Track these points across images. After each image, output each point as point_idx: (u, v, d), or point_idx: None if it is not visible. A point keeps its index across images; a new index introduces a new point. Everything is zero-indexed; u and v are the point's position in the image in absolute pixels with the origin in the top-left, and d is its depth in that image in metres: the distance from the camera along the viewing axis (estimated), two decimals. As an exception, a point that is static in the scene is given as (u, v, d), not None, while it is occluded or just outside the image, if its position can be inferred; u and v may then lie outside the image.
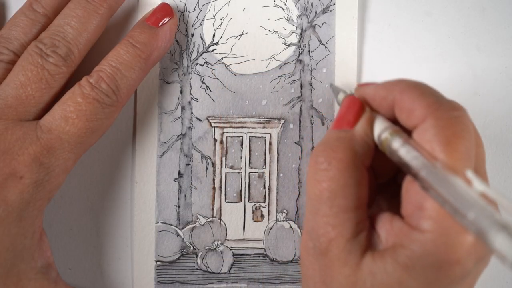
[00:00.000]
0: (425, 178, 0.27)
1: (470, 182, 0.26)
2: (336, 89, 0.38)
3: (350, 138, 0.31)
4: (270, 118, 0.41)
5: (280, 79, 0.41)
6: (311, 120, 0.41)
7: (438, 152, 0.27)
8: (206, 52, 0.41)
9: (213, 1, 0.41)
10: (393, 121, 0.31)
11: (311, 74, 0.41)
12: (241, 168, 0.41)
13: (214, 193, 0.41)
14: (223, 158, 0.41)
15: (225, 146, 0.41)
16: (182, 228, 0.40)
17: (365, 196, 0.30)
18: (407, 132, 0.30)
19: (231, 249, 0.40)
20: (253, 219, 0.41)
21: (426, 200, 0.28)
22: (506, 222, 0.23)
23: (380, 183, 0.34)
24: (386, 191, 0.34)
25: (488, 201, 0.25)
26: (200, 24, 0.41)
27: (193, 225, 0.40)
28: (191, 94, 0.41)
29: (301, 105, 0.41)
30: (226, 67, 0.41)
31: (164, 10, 0.39)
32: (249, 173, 0.41)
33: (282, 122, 0.41)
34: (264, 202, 0.41)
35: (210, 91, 0.41)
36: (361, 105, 0.32)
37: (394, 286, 0.28)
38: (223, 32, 0.41)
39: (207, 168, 0.41)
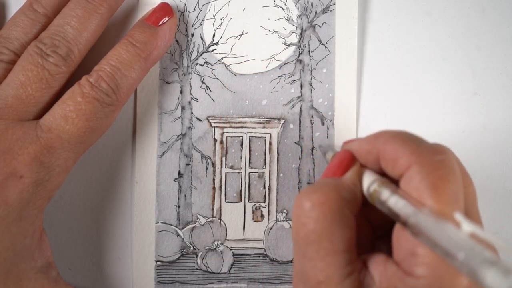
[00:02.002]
0: (414, 225, 0.27)
1: (458, 224, 0.26)
2: (324, 149, 0.38)
3: (337, 183, 0.31)
4: (270, 118, 0.41)
5: (280, 79, 0.41)
6: (311, 120, 0.41)
7: (425, 198, 0.27)
8: (206, 52, 0.41)
9: (213, 1, 0.41)
10: (381, 174, 0.31)
11: (311, 74, 0.41)
12: (241, 168, 0.41)
13: (214, 193, 0.41)
14: (223, 158, 0.41)
15: (225, 146, 0.41)
16: (182, 228, 0.40)
17: (353, 238, 0.30)
18: (395, 182, 0.30)
19: (231, 249, 0.40)
20: (253, 219, 0.41)
21: (417, 246, 0.27)
22: (495, 259, 0.24)
23: (379, 234, 0.34)
24: (385, 238, 0.34)
25: (478, 241, 0.26)
26: (200, 24, 0.41)
27: (193, 225, 0.40)
28: (191, 94, 0.41)
29: (301, 105, 0.41)
30: (226, 67, 0.41)
31: (164, 9, 0.39)
32: (249, 173, 0.41)
33: (282, 122, 0.41)
34: (264, 202, 0.41)
35: (210, 91, 0.41)
36: (351, 157, 0.32)
37: None
38: (223, 32, 0.41)
39: (207, 168, 0.41)
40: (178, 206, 0.40)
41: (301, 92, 0.41)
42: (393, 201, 0.29)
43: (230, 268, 0.40)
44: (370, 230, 0.33)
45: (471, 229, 0.26)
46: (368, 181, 0.31)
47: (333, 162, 0.33)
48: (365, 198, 0.31)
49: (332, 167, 0.32)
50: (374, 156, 0.31)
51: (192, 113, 0.41)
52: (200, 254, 0.40)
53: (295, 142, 0.41)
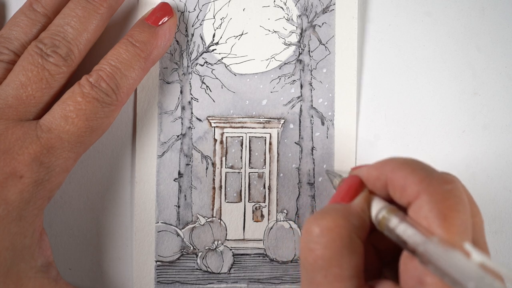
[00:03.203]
0: (424, 253, 0.27)
1: (468, 254, 0.27)
2: (332, 174, 0.38)
3: (345, 209, 0.31)
4: (270, 118, 0.41)
5: (280, 79, 0.41)
6: (311, 120, 0.41)
7: (435, 228, 0.28)
8: (206, 52, 0.41)
9: (213, 1, 0.41)
10: (389, 200, 0.31)
11: (311, 74, 0.41)
12: (241, 168, 0.41)
13: (214, 193, 0.41)
14: (223, 158, 0.41)
15: (225, 146, 0.41)
16: (182, 228, 0.40)
17: (361, 264, 0.30)
18: (403, 210, 0.30)
19: (231, 249, 0.40)
20: (253, 219, 0.41)
21: (426, 275, 0.27)
22: None
23: (386, 260, 0.33)
24: (392, 265, 0.34)
25: (488, 271, 0.26)
26: (200, 24, 0.41)
27: (193, 225, 0.40)
28: (191, 94, 0.41)
29: (301, 105, 0.41)
30: (226, 67, 0.41)
31: (164, 9, 0.39)
32: (249, 173, 0.41)
33: (282, 122, 0.41)
34: (264, 202, 0.41)
35: (210, 91, 0.41)
36: (360, 183, 0.32)
37: None
38: (223, 32, 0.41)
39: (207, 168, 0.41)
40: (178, 206, 0.40)
41: (301, 92, 0.41)
42: (402, 229, 0.29)
43: (230, 268, 0.40)
44: (377, 257, 0.33)
45: (481, 259, 0.26)
46: (377, 208, 0.31)
47: (342, 187, 0.32)
48: (372, 224, 0.31)
49: (341, 193, 0.32)
50: (382, 183, 0.31)
51: (192, 113, 0.41)
52: (200, 254, 0.40)
53: (295, 142, 0.41)
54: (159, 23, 0.38)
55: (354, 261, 0.29)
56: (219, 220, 0.40)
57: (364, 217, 0.31)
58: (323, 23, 0.41)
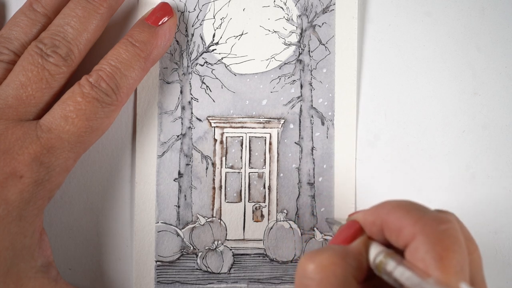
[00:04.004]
0: None
1: None
2: (331, 221, 0.38)
3: (343, 250, 0.30)
4: (270, 118, 0.41)
5: (280, 79, 0.41)
6: (311, 120, 0.41)
7: (431, 269, 0.27)
8: (206, 52, 0.41)
9: (213, 1, 0.41)
10: (387, 245, 0.31)
11: (311, 74, 0.41)
12: (241, 168, 0.41)
13: (214, 193, 0.41)
14: (223, 158, 0.41)
15: (225, 146, 0.41)
16: (182, 228, 0.40)
17: None
18: (400, 253, 0.30)
19: (231, 249, 0.40)
20: (253, 219, 0.41)
21: None
22: None
23: None
24: None
25: None
26: (200, 24, 0.41)
27: (193, 225, 0.40)
28: (191, 94, 0.41)
29: (301, 105, 0.41)
30: (226, 67, 0.41)
31: (164, 9, 0.39)
32: (249, 173, 0.41)
33: (282, 122, 0.41)
34: (264, 202, 0.41)
35: (210, 91, 0.41)
36: (359, 227, 0.32)
37: None
38: (223, 32, 0.41)
39: (207, 168, 0.41)
40: (178, 206, 0.40)
41: (301, 92, 0.41)
42: (399, 272, 0.29)
43: (230, 268, 0.40)
44: None
45: None
46: (375, 252, 0.31)
47: (341, 231, 0.32)
48: (371, 270, 0.31)
49: (340, 236, 0.32)
50: (378, 227, 0.31)
51: (192, 113, 0.41)
52: (200, 254, 0.40)
53: (295, 142, 0.41)
54: (159, 23, 0.38)
55: None
56: (219, 220, 0.41)
57: (361, 259, 0.31)
58: (323, 23, 0.41)
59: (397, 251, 0.30)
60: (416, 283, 0.28)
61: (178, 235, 0.40)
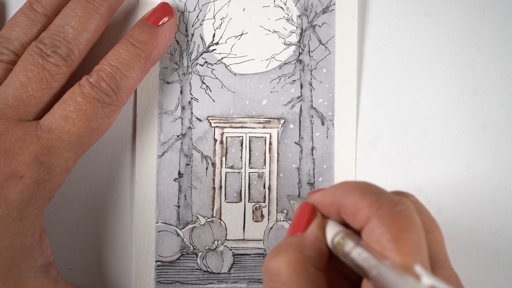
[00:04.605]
0: (376, 277, 0.27)
1: (418, 276, 0.26)
2: (291, 198, 0.39)
3: (299, 242, 0.31)
4: (270, 118, 0.41)
5: (280, 79, 0.41)
6: (311, 120, 0.41)
7: (387, 251, 0.27)
8: (206, 52, 0.41)
9: (213, 1, 0.41)
10: (346, 225, 0.31)
11: (311, 74, 0.41)
12: (241, 168, 0.41)
13: (214, 193, 0.41)
14: (223, 158, 0.41)
15: (225, 146, 0.41)
16: (182, 228, 0.40)
17: None
18: (359, 234, 0.30)
19: (231, 249, 0.40)
20: (253, 219, 0.41)
21: None
22: None
23: (355, 283, 0.33)
24: None
25: None
26: (200, 24, 0.41)
27: (193, 225, 0.40)
28: (191, 94, 0.41)
29: (301, 105, 0.41)
30: (226, 67, 0.41)
31: (164, 9, 0.39)
32: (249, 173, 0.41)
33: (282, 122, 0.41)
34: (264, 202, 0.41)
35: (210, 91, 0.41)
36: (312, 210, 0.32)
37: None
38: (223, 32, 0.41)
39: (207, 168, 0.41)
40: (178, 206, 0.40)
41: (301, 92, 0.41)
42: (356, 253, 0.29)
43: (230, 268, 0.40)
44: (346, 281, 0.33)
45: (430, 282, 0.26)
46: (332, 232, 0.31)
47: (295, 217, 0.32)
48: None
49: (294, 223, 0.32)
50: (336, 208, 0.31)
51: (192, 113, 0.41)
52: (200, 254, 0.40)
53: (295, 142, 0.41)
54: (159, 23, 0.38)
55: None
56: (219, 220, 0.41)
57: (319, 245, 0.31)
58: (323, 23, 0.41)
59: (356, 233, 0.30)
60: (372, 265, 0.28)
61: (178, 235, 0.40)
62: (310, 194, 0.33)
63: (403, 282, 0.26)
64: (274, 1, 0.41)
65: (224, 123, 0.41)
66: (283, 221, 0.41)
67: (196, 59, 0.41)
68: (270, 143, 0.41)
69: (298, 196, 0.40)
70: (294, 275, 0.29)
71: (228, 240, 0.40)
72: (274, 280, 0.30)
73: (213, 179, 0.41)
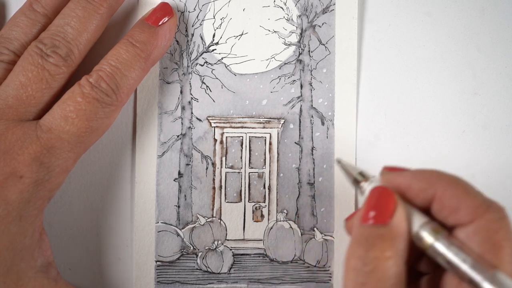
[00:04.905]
0: (480, 284, 0.27)
1: None
2: (350, 169, 0.33)
3: (390, 235, 0.28)
4: (270, 118, 0.41)
5: (280, 79, 0.41)
6: (311, 120, 0.41)
7: (489, 256, 0.28)
8: (206, 52, 0.41)
9: (213, 1, 0.41)
10: (423, 210, 0.30)
11: (311, 74, 0.41)
12: (241, 168, 0.41)
13: (214, 193, 0.41)
14: (223, 158, 0.41)
15: (225, 146, 0.41)
16: (182, 228, 0.40)
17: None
18: (441, 224, 0.30)
19: (231, 249, 0.40)
20: (253, 219, 0.41)
21: None
22: None
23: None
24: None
25: None
26: (200, 24, 0.41)
27: (193, 225, 0.40)
28: (191, 94, 0.41)
29: (301, 105, 0.41)
30: (226, 67, 0.41)
31: (164, 9, 0.39)
32: (249, 173, 0.41)
33: (282, 122, 0.41)
34: (264, 202, 0.41)
35: (210, 91, 0.41)
36: (394, 197, 0.30)
37: None
38: (223, 32, 0.41)
39: (207, 168, 0.41)
40: (178, 206, 0.40)
41: (301, 92, 0.41)
42: (455, 255, 0.28)
43: (230, 268, 0.40)
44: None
45: None
46: (418, 224, 0.29)
47: (374, 203, 0.30)
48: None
49: (377, 210, 0.29)
50: (428, 196, 0.30)
51: (192, 113, 0.41)
52: (200, 254, 0.40)
53: (295, 142, 0.41)
54: (159, 23, 0.38)
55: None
56: (219, 220, 0.41)
57: (406, 237, 0.29)
58: (323, 23, 0.41)
59: (439, 222, 0.29)
60: (478, 271, 0.27)
61: (178, 235, 0.40)
62: (388, 170, 0.31)
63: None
64: (274, 1, 0.41)
65: (224, 123, 0.41)
66: (283, 221, 0.41)
67: (196, 59, 0.41)
68: (270, 143, 0.41)
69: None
70: (390, 271, 0.27)
71: (228, 240, 0.40)
72: (366, 277, 0.27)
73: (213, 179, 0.41)
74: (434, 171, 0.30)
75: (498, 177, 0.41)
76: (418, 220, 0.29)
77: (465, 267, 0.28)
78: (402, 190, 0.30)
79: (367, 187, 0.32)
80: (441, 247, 0.28)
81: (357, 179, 0.32)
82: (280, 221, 0.41)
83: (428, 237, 0.29)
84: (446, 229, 0.29)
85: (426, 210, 0.30)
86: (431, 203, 0.30)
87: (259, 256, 0.40)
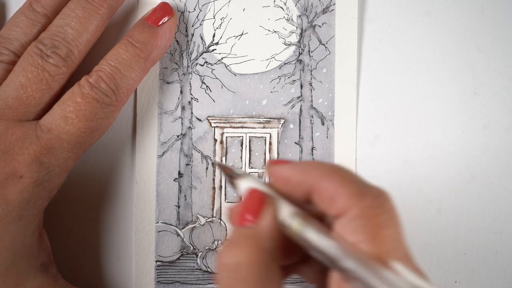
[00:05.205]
0: (350, 269, 0.26)
1: (399, 273, 0.26)
2: (222, 167, 0.34)
3: (255, 235, 0.29)
4: (270, 118, 0.41)
5: (280, 79, 0.41)
6: (311, 120, 0.41)
7: (365, 245, 0.27)
8: (206, 52, 0.41)
9: (213, 1, 0.41)
10: (306, 202, 0.30)
11: (311, 74, 0.41)
12: (241, 168, 0.41)
13: (214, 193, 0.41)
14: (223, 158, 0.41)
15: (225, 146, 0.41)
16: (182, 228, 0.40)
17: (281, 282, 0.29)
18: (316, 214, 0.29)
19: (231, 249, 0.40)
20: (253, 219, 0.41)
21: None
22: None
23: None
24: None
25: None
26: (200, 24, 0.41)
27: (193, 225, 0.40)
28: (191, 94, 0.41)
29: (301, 105, 0.41)
30: (226, 67, 0.41)
31: (164, 9, 0.39)
32: (249, 173, 0.41)
33: (282, 122, 0.41)
34: (264, 202, 0.41)
35: (210, 91, 0.41)
36: (263, 198, 0.30)
37: None
38: (223, 32, 0.41)
39: (207, 168, 0.41)
40: (178, 206, 0.40)
41: (301, 92, 0.41)
42: (323, 242, 0.27)
43: (230, 268, 0.40)
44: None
45: (411, 279, 0.26)
46: (287, 215, 0.29)
47: (244, 204, 0.30)
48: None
49: (244, 211, 0.29)
50: (305, 188, 0.29)
51: (192, 113, 0.41)
52: (200, 254, 0.40)
53: (295, 142, 0.41)
54: (159, 23, 0.38)
55: (275, 284, 0.28)
56: (219, 220, 0.41)
57: (275, 234, 0.29)
58: (323, 23, 0.41)
59: (315, 213, 0.29)
60: (343, 256, 0.27)
61: (178, 235, 0.40)
62: (272, 163, 0.31)
63: (382, 277, 0.25)
64: (274, 1, 0.41)
65: (224, 123, 0.41)
66: (283, 221, 0.40)
67: (196, 59, 0.41)
68: (270, 143, 0.41)
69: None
70: (254, 271, 0.27)
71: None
72: (231, 277, 0.28)
73: (213, 179, 0.41)
74: (312, 162, 0.30)
75: (498, 177, 0.41)
76: (288, 212, 0.29)
77: (330, 253, 0.27)
78: (282, 183, 0.30)
79: (241, 184, 0.32)
80: (310, 236, 0.28)
81: (232, 176, 0.33)
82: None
83: (296, 227, 0.28)
84: (316, 218, 0.29)
85: (310, 203, 0.30)
86: (311, 195, 0.29)
87: (259, 256, 0.40)
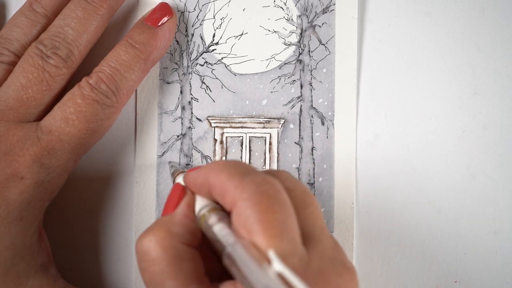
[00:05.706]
0: (229, 256, 0.27)
1: (270, 261, 0.26)
2: (173, 167, 0.38)
3: (168, 220, 0.31)
4: (270, 118, 0.41)
5: (280, 79, 0.41)
6: (311, 120, 0.41)
7: (253, 234, 0.27)
8: (206, 52, 0.41)
9: (213, 1, 0.41)
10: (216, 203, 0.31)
11: (311, 74, 0.41)
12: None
13: (214, 193, 0.41)
14: (223, 158, 0.41)
15: (225, 146, 0.41)
16: (182, 228, 0.40)
17: (199, 269, 0.30)
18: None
19: (231, 249, 0.40)
20: (253, 219, 0.41)
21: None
22: None
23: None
24: None
25: (284, 282, 0.26)
26: (200, 24, 0.41)
27: (193, 225, 0.40)
28: (191, 94, 0.41)
29: (301, 105, 0.41)
30: (226, 67, 0.41)
31: (164, 9, 0.39)
32: (184, 171, 0.41)
33: (282, 122, 0.41)
34: (264, 202, 0.41)
35: (210, 91, 0.41)
36: (182, 189, 0.32)
37: None
38: (223, 32, 0.41)
39: (207, 168, 0.41)
40: (178, 206, 0.40)
41: (301, 92, 0.41)
42: (218, 228, 0.29)
43: (230, 268, 0.40)
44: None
45: (279, 269, 0.26)
46: (199, 207, 0.31)
47: (168, 199, 0.33)
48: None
49: (165, 204, 0.32)
50: (207, 189, 0.30)
51: (192, 113, 0.41)
52: (200, 254, 0.40)
53: (295, 142, 0.41)
54: (159, 24, 0.38)
55: (188, 269, 0.29)
56: (219, 220, 0.40)
57: (188, 222, 0.31)
58: (323, 23, 0.41)
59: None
60: (228, 243, 0.28)
61: (178, 235, 0.40)
62: (189, 171, 0.33)
63: (253, 264, 0.26)
64: (274, 1, 0.41)
65: (224, 123, 0.41)
66: (283, 221, 0.40)
67: (196, 59, 0.41)
68: (270, 143, 0.41)
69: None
70: (161, 252, 0.29)
71: (228, 240, 0.40)
72: (143, 260, 0.30)
73: (213, 179, 0.41)
74: (210, 164, 0.31)
75: (498, 177, 0.41)
76: (200, 204, 0.31)
77: (222, 241, 0.28)
78: (191, 187, 0.32)
79: (177, 179, 0.35)
80: (210, 224, 0.29)
81: (174, 174, 0.37)
82: (280, 221, 0.41)
83: (203, 217, 0.30)
84: (223, 211, 0.30)
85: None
86: (211, 193, 0.30)
87: (259, 256, 0.40)
